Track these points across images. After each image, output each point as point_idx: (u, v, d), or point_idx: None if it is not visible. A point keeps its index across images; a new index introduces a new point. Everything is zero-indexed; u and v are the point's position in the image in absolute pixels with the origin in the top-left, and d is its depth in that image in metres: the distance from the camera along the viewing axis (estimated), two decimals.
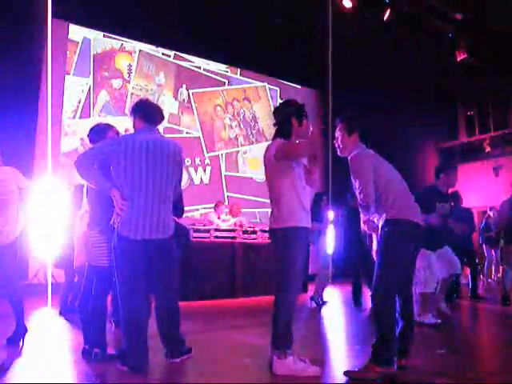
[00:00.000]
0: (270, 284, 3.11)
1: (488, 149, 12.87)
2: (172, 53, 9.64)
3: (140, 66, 9.24)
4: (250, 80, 10.74)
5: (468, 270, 7.20)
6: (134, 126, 3.09)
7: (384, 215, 2.91)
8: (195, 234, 6.50)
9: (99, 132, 3.25)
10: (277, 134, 3.04)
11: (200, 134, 9.86)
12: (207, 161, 9.87)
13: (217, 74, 10.24)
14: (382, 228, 2.92)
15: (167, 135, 8.03)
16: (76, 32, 8.58)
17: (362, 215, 3.09)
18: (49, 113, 5.67)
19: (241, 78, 10.62)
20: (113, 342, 3.32)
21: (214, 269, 6.57)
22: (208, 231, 6.78)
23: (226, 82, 10.39)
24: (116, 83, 8.94)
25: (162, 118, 3.13)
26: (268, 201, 3.07)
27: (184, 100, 9.72)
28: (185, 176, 8.96)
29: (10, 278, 3.60)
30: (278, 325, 2.83)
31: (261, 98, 10.88)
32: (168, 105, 9.42)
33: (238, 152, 10.39)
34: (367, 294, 5.81)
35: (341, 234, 6.92)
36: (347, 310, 6.14)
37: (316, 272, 6.20)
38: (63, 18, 8.02)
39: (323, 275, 6.14)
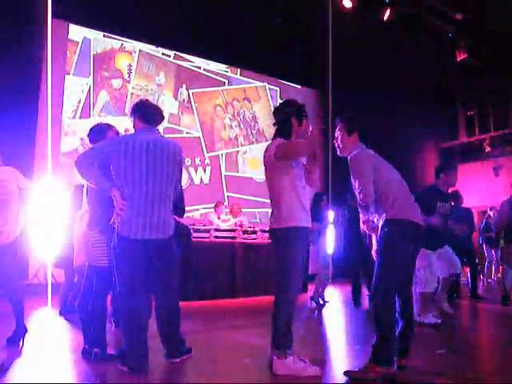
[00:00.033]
0: (270, 284, 3.10)
1: (488, 149, 12.87)
2: (172, 53, 9.64)
3: (140, 66, 9.24)
4: (250, 80, 10.74)
5: (468, 270, 7.20)
6: (134, 127, 3.09)
7: (384, 215, 2.91)
8: (195, 234, 6.50)
9: (99, 132, 3.25)
10: (277, 134, 3.04)
11: (200, 133, 9.86)
12: (207, 161, 9.87)
13: (217, 74, 10.24)
14: (381, 228, 2.92)
15: (167, 135, 8.03)
16: (76, 32, 8.58)
17: (361, 215, 3.09)
18: (49, 113, 5.66)
19: (241, 78, 10.62)
20: (113, 342, 3.32)
21: (214, 269, 6.57)
22: (208, 231, 6.78)
23: (226, 82, 10.39)
24: (116, 83, 8.94)
25: (162, 118, 3.13)
26: (268, 201, 3.07)
27: (184, 100, 9.72)
28: (185, 176, 8.96)
29: (10, 277, 3.60)
30: (277, 325, 2.83)
31: (261, 97, 10.88)
32: (168, 105, 9.42)
33: (238, 152, 10.39)
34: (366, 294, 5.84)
35: (341, 234, 6.92)
36: (347, 310, 6.14)
37: (316, 272, 6.20)
38: (63, 18, 8.02)
39: (323, 275, 6.14)
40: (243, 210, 8.51)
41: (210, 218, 7.62)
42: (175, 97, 9.61)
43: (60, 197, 6.13)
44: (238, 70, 10.54)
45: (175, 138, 8.36)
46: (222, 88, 10.29)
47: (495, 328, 5.03)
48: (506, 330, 4.75)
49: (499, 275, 9.16)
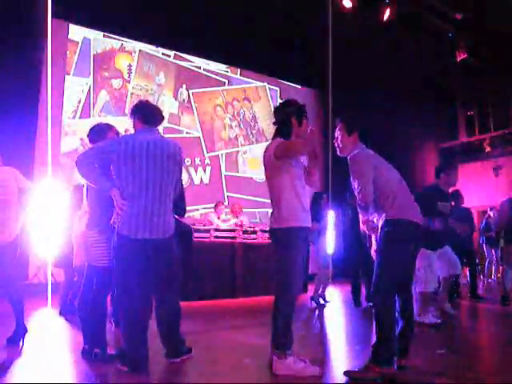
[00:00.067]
0: (270, 284, 3.11)
1: (488, 149, 12.87)
2: (172, 53, 9.65)
3: (140, 66, 9.24)
4: (250, 80, 10.75)
5: (467, 270, 7.20)
6: (134, 127, 3.09)
7: (384, 215, 2.91)
8: (195, 234, 6.49)
9: (99, 132, 3.25)
10: (276, 134, 3.05)
11: (200, 134, 9.86)
12: (207, 161, 9.87)
13: (217, 73, 10.24)
14: (381, 228, 2.92)
15: (167, 135, 8.03)
16: (76, 32, 8.58)
17: (360, 216, 3.09)
18: (49, 113, 5.66)
19: (241, 78, 10.62)
20: (113, 342, 3.31)
21: (214, 269, 6.57)
22: (208, 231, 6.79)
23: (226, 82, 10.39)
24: (116, 83, 8.94)
25: (162, 118, 3.13)
26: (268, 201, 3.07)
27: (184, 100, 9.72)
28: (185, 176, 8.96)
29: (10, 277, 3.60)
30: (277, 325, 2.83)
31: (261, 97, 10.88)
32: (168, 105, 9.43)
33: (238, 152, 10.39)
34: (366, 294, 5.84)
35: (340, 234, 6.92)
36: (347, 310, 6.14)
37: (316, 272, 6.20)
38: (63, 18, 8.02)
39: (323, 275, 6.14)
40: (243, 210, 8.50)
41: (210, 218, 7.62)
42: (175, 97, 9.61)
43: (60, 197, 6.13)
44: (238, 70, 10.54)
45: (175, 138, 8.36)
46: (222, 88, 10.29)
47: (495, 328, 5.03)
48: (505, 330, 4.75)
49: (499, 275, 9.16)
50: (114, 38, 8.99)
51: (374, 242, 3.09)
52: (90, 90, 8.60)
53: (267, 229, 6.29)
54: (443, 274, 4.82)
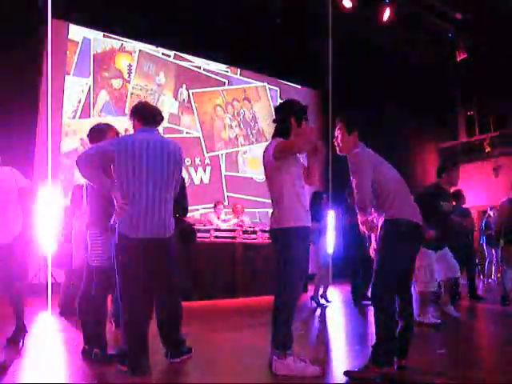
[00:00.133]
0: (270, 284, 3.10)
1: (488, 149, 12.87)
2: (172, 53, 9.64)
3: (140, 66, 9.24)
4: (249, 80, 10.74)
5: (465, 271, 7.19)
6: (133, 128, 3.10)
7: (383, 215, 2.91)
8: None
9: (99, 132, 3.25)
10: (276, 134, 3.05)
11: (200, 134, 9.86)
12: (207, 161, 9.87)
13: (217, 73, 10.24)
14: (381, 228, 2.92)
15: (167, 135, 8.03)
16: (76, 32, 8.57)
17: (359, 216, 3.09)
18: (49, 113, 5.65)
19: (241, 77, 10.62)
20: (113, 342, 3.32)
21: (214, 269, 6.57)
22: (208, 231, 6.79)
23: (226, 82, 10.38)
24: (116, 83, 8.94)
25: (162, 118, 3.13)
26: (268, 201, 3.07)
27: (184, 100, 9.72)
28: (185, 176, 8.95)
29: (10, 277, 3.60)
30: (277, 325, 2.83)
31: (261, 97, 10.88)
32: (168, 105, 9.43)
33: (237, 152, 10.39)
34: (366, 294, 5.84)
35: (340, 234, 6.92)
36: (347, 309, 6.14)
37: (316, 272, 6.20)
38: (63, 18, 8.01)
39: (323, 275, 6.14)
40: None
41: (210, 218, 7.62)
42: (175, 97, 9.60)
43: (59, 197, 6.13)
44: (238, 69, 10.53)
45: (175, 138, 8.36)
46: (222, 88, 10.29)
47: (495, 328, 5.03)
48: (505, 330, 4.75)
49: (499, 275, 9.16)
50: (114, 38, 8.99)
51: (373, 241, 3.09)
52: (89, 90, 8.60)
53: (267, 229, 6.29)
54: (441, 277, 4.80)
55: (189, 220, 7.54)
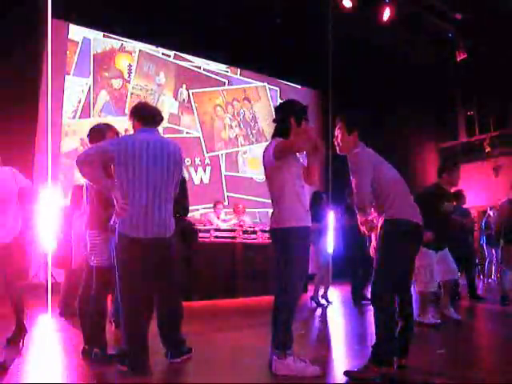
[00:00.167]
0: (270, 284, 3.11)
1: (488, 149, 12.86)
2: (172, 53, 9.64)
3: (140, 66, 9.24)
4: (249, 80, 10.74)
5: (465, 272, 7.19)
6: (133, 129, 3.10)
7: (383, 215, 2.91)
8: None
9: (99, 132, 3.25)
10: (275, 133, 3.05)
11: (200, 134, 9.86)
12: (207, 161, 9.87)
13: (217, 73, 10.24)
14: (381, 227, 2.92)
15: (167, 135, 8.03)
16: (76, 32, 8.57)
17: (358, 216, 3.09)
18: (49, 113, 5.65)
19: (241, 77, 10.62)
20: (113, 342, 3.32)
21: (214, 269, 6.57)
22: (208, 231, 6.79)
23: (226, 82, 10.38)
24: (116, 83, 8.94)
25: (161, 118, 3.13)
26: (268, 201, 3.07)
27: (184, 100, 9.72)
28: (185, 176, 8.95)
29: (10, 277, 3.60)
30: (277, 325, 2.83)
31: (261, 97, 10.88)
32: (168, 105, 9.43)
33: (237, 152, 10.39)
34: (366, 294, 5.84)
35: (340, 234, 6.92)
36: (347, 310, 6.14)
37: (316, 272, 6.20)
38: (63, 18, 8.01)
39: (323, 275, 6.14)
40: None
41: (210, 218, 7.61)
42: (175, 97, 9.60)
43: (59, 197, 6.13)
44: (238, 69, 10.53)
45: (175, 138, 8.36)
46: (222, 88, 10.29)
47: (495, 328, 5.03)
48: (505, 330, 4.75)
49: (499, 275, 9.16)
50: (114, 38, 8.99)
51: (373, 240, 3.09)
52: (90, 90, 8.60)
53: (267, 229, 6.29)
54: (440, 279, 4.79)
55: (189, 220, 7.54)
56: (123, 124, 7.33)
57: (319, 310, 5.79)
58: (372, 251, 3.10)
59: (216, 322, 4.90)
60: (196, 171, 9.65)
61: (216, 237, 6.82)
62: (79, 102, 8.49)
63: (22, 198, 3.67)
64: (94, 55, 8.73)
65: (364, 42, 9.96)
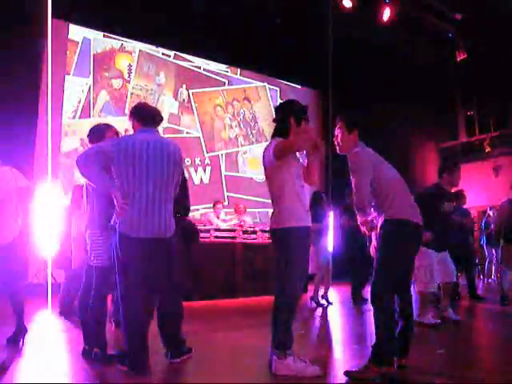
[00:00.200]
0: (270, 284, 3.11)
1: (488, 149, 12.86)
2: (172, 53, 9.64)
3: (140, 66, 9.24)
4: (249, 80, 10.74)
5: (465, 273, 7.19)
6: (133, 129, 3.10)
7: (383, 215, 2.91)
8: None
9: (99, 132, 3.25)
10: (275, 133, 3.05)
11: (200, 134, 9.86)
12: (207, 161, 9.87)
13: (217, 73, 10.24)
14: (381, 227, 2.92)
15: (167, 135, 8.04)
16: (76, 32, 8.57)
17: (358, 217, 3.09)
18: (49, 113, 5.66)
19: (241, 77, 10.62)
20: (113, 342, 3.32)
21: (214, 269, 6.57)
22: (208, 231, 6.79)
23: (226, 82, 10.38)
24: (116, 83, 8.94)
25: (161, 118, 3.14)
26: (268, 201, 3.07)
27: (184, 100, 9.72)
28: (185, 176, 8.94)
29: (10, 277, 3.60)
30: (277, 325, 2.83)
31: (261, 97, 10.88)
32: (168, 105, 9.43)
33: (237, 152, 10.39)
34: (366, 294, 5.84)
35: (340, 234, 6.92)
36: (347, 310, 6.14)
37: (316, 272, 6.19)
38: (63, 18, 8.01)
39: (324, 275, 6.14)
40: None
41: (210, 218, 7.62)
42: (175, 97, 9.60)
43: (59, 197, 6.12)
44: (238, 69, 10.53)
45: (175, 138, 8.36)
46: (222, 88, 10.29)
47: (495, 328, 5.03)
48: (505, 330, 4.75)
49: (499, 275, 9.16)
50: (114, 38, 8.99)
51: (373, 239, 3.09)
52: (90, 90, 8.60)
53: (267, 229, 6.29)
54: (439, 281, 4.78)
55: (190, 220, 7.54)
56: (123, 124, 7.33)
57: (319, 310, 5.79)
58: (372, 251, 3.10)
59: (216, 322, 4.90)
60: (196, 171, 9.65)
61: (216, 237, 6.82)
62: (79, 101, 8.49)
63: (22, 198, 3.68)
64: (93, 55, 8.73)
65: (364, 41, 9.96)
